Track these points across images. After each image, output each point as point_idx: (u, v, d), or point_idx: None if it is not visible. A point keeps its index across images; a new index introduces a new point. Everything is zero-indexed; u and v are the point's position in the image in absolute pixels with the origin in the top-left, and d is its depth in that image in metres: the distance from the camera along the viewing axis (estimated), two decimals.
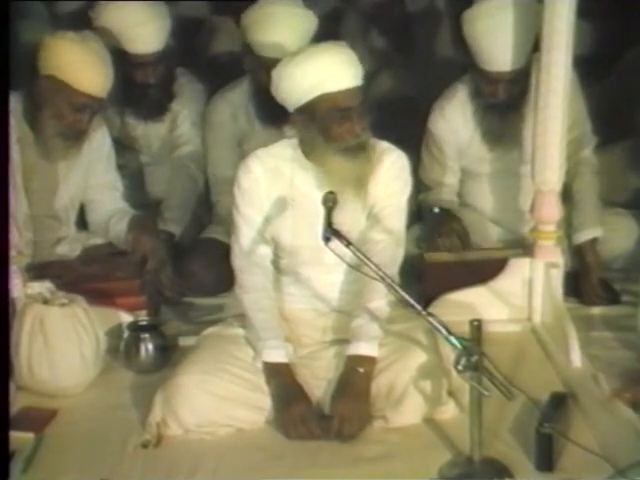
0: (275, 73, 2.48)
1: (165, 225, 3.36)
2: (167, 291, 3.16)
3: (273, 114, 3.14)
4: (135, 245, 3.05)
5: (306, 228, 2.50)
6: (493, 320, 2.86)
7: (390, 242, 2.57)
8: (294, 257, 2.59)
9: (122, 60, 3.12)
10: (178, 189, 3.48)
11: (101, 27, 3.23)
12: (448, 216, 3.20)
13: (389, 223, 2.57)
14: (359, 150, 2.44)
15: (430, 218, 3.22)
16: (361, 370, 2.41)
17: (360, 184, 2.47)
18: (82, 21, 3.34)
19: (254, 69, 3.22)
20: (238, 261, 2.59)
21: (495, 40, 2.97)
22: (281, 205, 2.52)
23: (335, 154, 2.43)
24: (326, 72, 2.39)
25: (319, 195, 2.37)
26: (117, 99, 3.19)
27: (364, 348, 2.44)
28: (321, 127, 2.43)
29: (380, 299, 2.50)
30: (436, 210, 3.21)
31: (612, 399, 2.39)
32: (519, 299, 3.02)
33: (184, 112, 3.51)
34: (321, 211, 2.31)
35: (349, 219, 2.48)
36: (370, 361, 2.43)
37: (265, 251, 2.58)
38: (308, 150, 2.49)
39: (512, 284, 3.02)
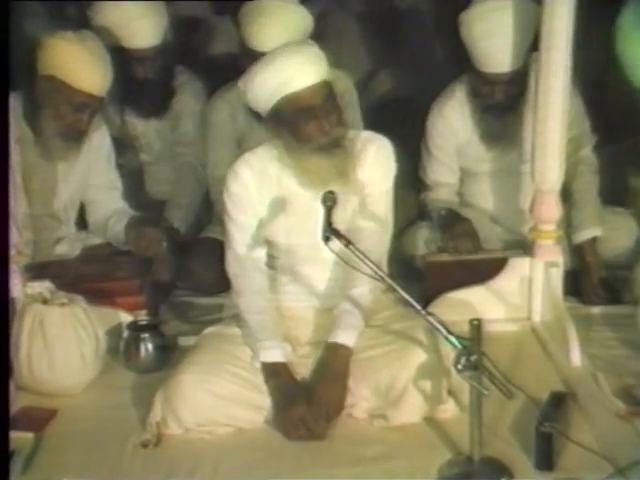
0: (241, 84, 2.50)
1: (171, 222, 3.37)
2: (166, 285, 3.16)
3: None
4: (139, 243, 3.04)
5: (299, 226, 2.51)
6: (493, 319, 2.87)
7: (376, 228, 2.57)
8: (290, 256, 2.60)
9: (121, 57, 3.13)
10: (185, 188, 3.50)
11: (99, 25, 3.26)
12: (457, 218, 3.19)
13: (374, 209, 2.57)
14: (334, 147, 2.44)
15: (438, 220, 3.22)
16: (337, 355, 2.44)
17: (343, 179, 2.45)
18: (82, 20, 3.36)
19: (246, 63, 3.23)
20: (232, 266, 2.60)
21: (492, 42, 2.98)
22: (272, 206, 2.53)
23: (310, 154, 2.44)
24: (284, 74, 2.40)
25: (308, 193, 2.40)
26: (117, 97, 3.20)
27: (341, 336, 2.46)
28: (290, 129, 2.44)
29: (361, 286, 2.50)
30: (443, 212, 3.21)
31: (628, 418, 2.39)
32: (519, 298, 3.02)
33: (187, 111, 3.53)
34: (312, 208, 2.33)
35: (345, 214, 2.48)
36: (346, 349, 2.45)
37: (259, 254, 2.58)
38: (286, 153, 2.50)
39: (512, 283, 3.02)
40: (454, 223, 3.17)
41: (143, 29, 3.30)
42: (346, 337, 2.46)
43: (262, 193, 2.53)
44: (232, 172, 2.56)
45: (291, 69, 2.41)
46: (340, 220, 2.39)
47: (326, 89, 2.44)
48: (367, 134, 2.59)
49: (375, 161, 2.55)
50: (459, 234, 3.12)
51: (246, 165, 2.55)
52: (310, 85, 2.41)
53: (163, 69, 3.41)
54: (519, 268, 3.01)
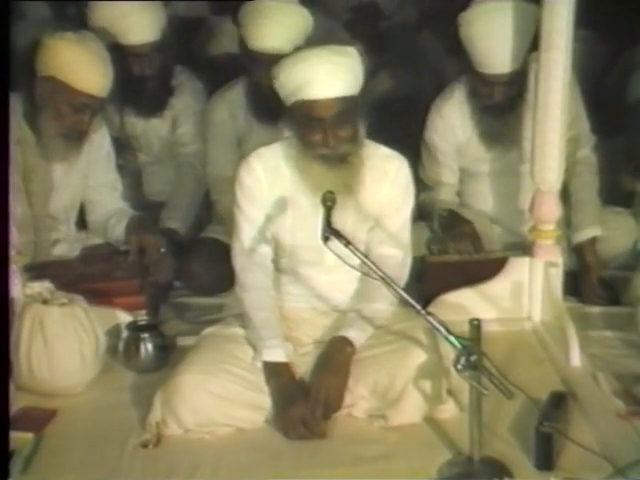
0: (274, 69, 2.47)
1: (170, 224, 3.37)
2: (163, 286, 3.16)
3: (267, 110, 3.16)
4: (140, 244, 3.04)
5: (305, 228, 2.51)
6: (492, 319, 2.88)
7: (402, 255, 2.59)
8: (294, 257, 2.59)
9: (119, 55, 3.13)
10: (185, 189, 3.50)
11: (96, 23, 3.27)
12: (459, 219, 3.20)
13: (399, 236, 2.59)
14: (339, 160, 2.42)
15: (439, 221, 3.22)
16: (342, 349, 2.44)
17: (347, 192, 2.43)
18: (80, 19, 3.37)
19: (247, 63, 3.24)
20: (239, 260, 2.60)
21: (491, 43, 2.97)
22: (281, 204, 2.52)
23: (313, 160, 2.43)
24: (304, 79, 2.37)
25: (317, 196, 2.38)
26: (116, 96, 3.19)
27: (351, 332, 2.46)
28: (298, 131, 2.44)
29: (381, 302, 2.52)
30: (444, 213, 3.21)
31: (628, 418, 2.39)
32: (518, 299, 3.01)
33: (186, 111, 3.53)
34: (319, 212, 2.32)
35: (348, 224, 2.48)
36: (351, 346, 2.45)
37: (266, 250, 2.58)
38: (295, 153, 2.48)
39: (511, 283, 3.02)
40: (455, 224, 3.17)
41: (139, 25, 3.30)
42: (355, 335, 2.47)
43: (273, 189, 2.52)
44: (245, 164, 2.55)
45: (314, 77, 2.37)
46: (351, 233, 2.38)
47: (344, 104, 2.39)
48: (386, 152, 2.57)
49: (394, 184, 2.55)
50: (460, 235, 3.13)
51: (260, 159, 2.54)
52: (328, 98, 2.38)
53: (160, 66, 3.41)
54: (519, 268, 3.01)
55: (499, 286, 3.02)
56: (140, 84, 3.39)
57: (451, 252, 3.11)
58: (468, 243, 3.11)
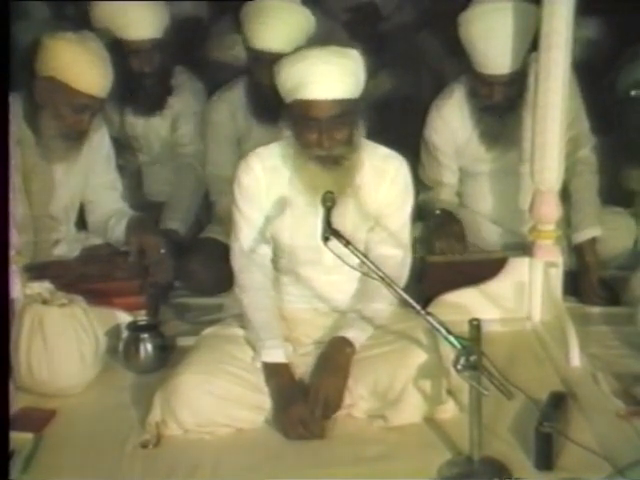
0: (275, 67, 2.47)
1: (170, 224, 3.36)
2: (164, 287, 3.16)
3: (267, 110, 3.16)
4: (140, 245, 3.04)
5: (304, 228, 2.51)
6: (492, 319, 2.88)
7: (402, 255, 2.59)
8: (293, 257, 2.59)
9: (119, 51, 3.13)
10: (185, 189, 3.50)
11: (98, 19, 3.28)
12: (447, 219, 3.20)
13: (399, 236, 2.59)
14: (334, 162, 2.42)
15: (432, 220, 3.22)
16: (342, 349, 2.43)
17: (341, 193, 2.42)
18: (81, 18, 3.37)
19: (248, 62, 3.25)
20: (238, 260, 2.59)
21: (490, 43, 2.97)
22: (280, 204, 2.52)
23: (309, 160, 2.43)
24: (303, 79, 2.37)
25: (313, 196, 2.38)
26: (116, 96, 3.19)
27: (351, 333, 2.46)
28: (294, 130, 2.44)
29: (381, 302, 2.52)
30: (437, 212, 3.21)
31: (628, 418, 2.39)
32: (518, 299, 3.02)
33: (186, 111, 3.53)
34: (319, 211, 2.32)
35: (348, 225, 2.48)
36: (351, 346, 2.45)
37: (265, 250, 2.58)
38: (292, 152, 2.48)
39: (511, 283, 3.02)
40: (444, 224, 3.17)
41: (141, 20, 3.30)
42: (355, 335, 2.47)
43: (272, 189, 2.52)
44: (244, 164, 2.55)
45: (309, 77, 2.36)
46: (351, 233, 2.38)
47: (342, 106, 2.38)
48: (385, 152, 2.56)
49: (393, 185, 2.55)
50: (447, 235, 3.13)
51: (259, 159, 2.54)
52: (326, 99, 2.37)
53: (160, 64, 3.41)
54: (518, 268, 3.01)
55: (499, 286, 3.02)
56: (139, 82, 3.39)
57: (437, 251, 3.11)
58: (453, 243, 3.11)
